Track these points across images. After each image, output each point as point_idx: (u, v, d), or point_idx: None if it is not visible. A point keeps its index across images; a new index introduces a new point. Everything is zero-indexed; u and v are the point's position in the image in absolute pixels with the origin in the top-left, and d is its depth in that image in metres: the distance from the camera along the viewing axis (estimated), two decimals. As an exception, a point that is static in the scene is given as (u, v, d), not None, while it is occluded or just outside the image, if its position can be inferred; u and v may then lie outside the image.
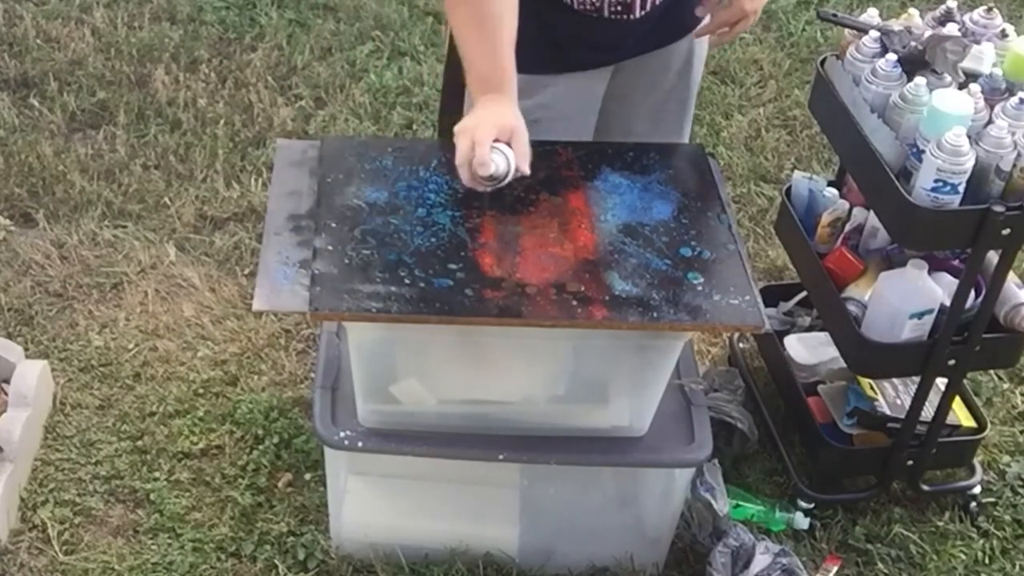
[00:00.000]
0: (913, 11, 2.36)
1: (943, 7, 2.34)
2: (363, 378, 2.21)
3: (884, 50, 2.28)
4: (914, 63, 2.25)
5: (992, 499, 2.67)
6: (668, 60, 2.40)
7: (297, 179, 2.25)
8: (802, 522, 2.57)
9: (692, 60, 2.44)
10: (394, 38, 3.97)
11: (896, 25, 2.31)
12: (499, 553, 2.47)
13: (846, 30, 2.42)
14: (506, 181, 2.02)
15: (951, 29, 2.29)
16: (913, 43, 2.24)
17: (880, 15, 2.40)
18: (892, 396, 2.55)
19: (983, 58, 2.22)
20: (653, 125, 2.46)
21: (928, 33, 2.24)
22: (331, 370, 2.34)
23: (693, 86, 2.49)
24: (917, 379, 2.43)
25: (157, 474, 2.63)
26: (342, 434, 2.24)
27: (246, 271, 3.11)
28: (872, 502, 2.64)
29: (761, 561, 2.41)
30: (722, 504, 2.47)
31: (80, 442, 2.69)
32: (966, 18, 2.35)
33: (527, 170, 2.03)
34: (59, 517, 2.53)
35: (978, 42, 2.27)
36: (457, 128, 2.02)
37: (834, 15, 2.48)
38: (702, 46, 2.47)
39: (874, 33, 2.29)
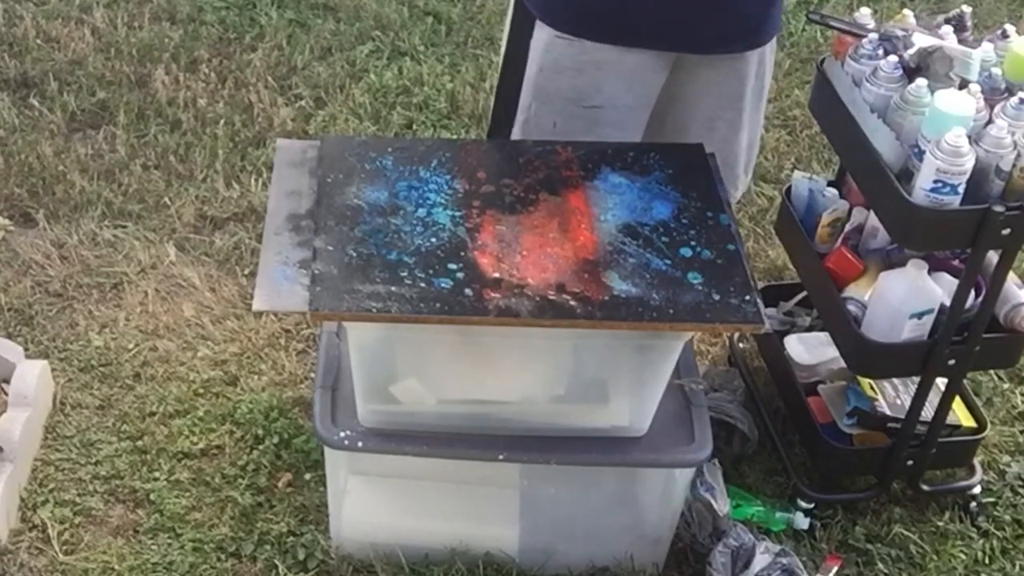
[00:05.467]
0: (907, 12, 2.36)
1: (954, 12, 2.34)
2: (363, 378, 2.21)
3: (884, 52, 2.28)
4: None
5: (992, 499, 2.67)
6: (730, 67, 2.39)
7: (297, 179, 2.25)
8: (802, 522, 2.57)
9: (749, 74, 2.42)
10: (394, 38, 3.96)
11: (888, 28, 2.31)
12: (499, 553, 2.47)
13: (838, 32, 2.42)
14: None
15: (946, 32, 2.29)
16: (906, 57, 2.24)
17: (878, 16, 2.40)
18: (892, 396, 2.55)
19: (971, 65, 2.21)
20: (708, 131, 2.44)
21: (914, 49, 2.24)
22: (331, 370, 2.34)
23: (749, 101, 2.46)
24: (917, 379, 2.43)
25: (157, 474, 2.63)
26: (342, 434, 2.24)
27: (246, 271, 3.11)
28: (872, 502, 2.64)
29: (761, 561, 2.41)
30: (722, 504, 2.47)
31: (80, 442, 2.69)
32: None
33: None
34: (59, 517, 2.53)
35: (977, 45, 2.28)
36: None
37: (823, 17, 2.49)
38: (768, 62, 2.46)
39: (873, 35, 2.30)
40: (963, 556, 2.57)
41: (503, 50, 2.45)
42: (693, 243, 2.14)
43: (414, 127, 3.62)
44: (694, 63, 2.38)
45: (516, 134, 2.44)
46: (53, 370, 2.79)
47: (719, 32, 2.33)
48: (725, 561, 2.42)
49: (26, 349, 2.82)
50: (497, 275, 2.04)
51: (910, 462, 2.54)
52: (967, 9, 2.34)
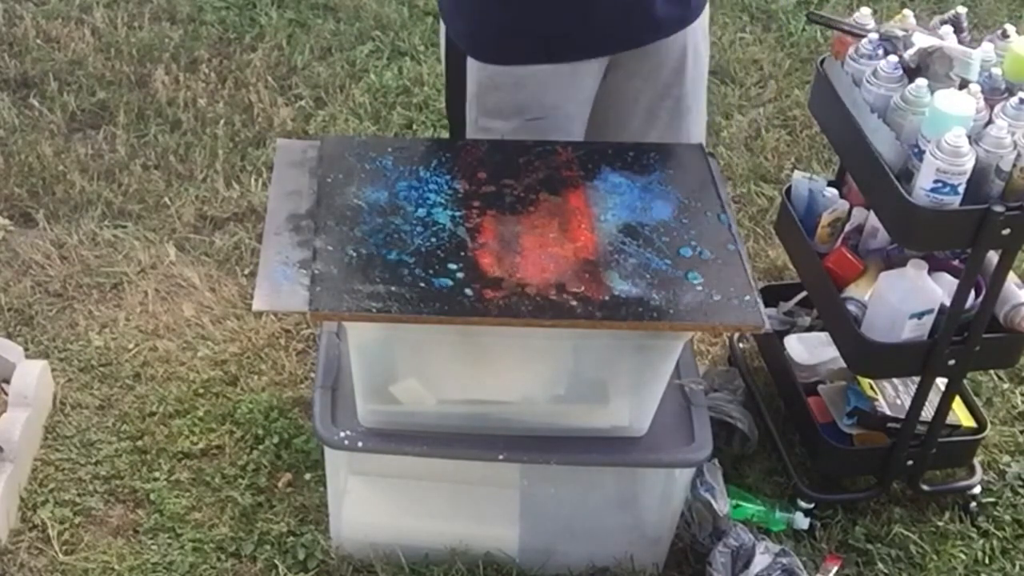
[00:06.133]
0: (907, 12, 2.36)
1: (950, 13, 2.34)
2: (363, 378, 2.21)
3: (884, 52, 2.28)
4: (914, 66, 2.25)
5: (992, 499, 2.67)
6: (663, 55, 2.39)
7: (297, 179, 2.25)
8: (802, 522, 2.57)
9: (686, 57, 2.42)
10: (394, 38, 3.97)
11: (887, 28, 2.31)
12: (499, 553, 2.47)
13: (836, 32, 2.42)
14: None
15: (945, 32, 2.29)
16: (906, 57, 2.24)
17: (878, 16, 2.40)
18: (892, 396, 2.55)
19: (971, 65, 2.21)
20: (648, 123, 2.45)
21: (914, 49, 2.24)
22: (331, 370, 2.34)
23: (690, 84, 2.46)
24: (917, 379, 2.43)
25: (157, 474, 2.63)
26: (342, 434, 2.24)
27: (246, 271, 3.11)
28: (872, 502, 2.64)
29: (761, 561, 2.41)
30: (722, 504, 2.47)
31: (80, 442, 2.69)
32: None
33: None
34: (59, 517, 2.53)
35: (977, 45, 2.28)
36: None
37: (822, 17, 2.49)
38: (702, 44, 2.46)
39: (873, 35, 2.30)
40: (963, 556, 2.57)
41: (444, 67, 2.44)
42: (693, 243, 2.14)
43: (414, 127, 3.62)
44: (626, 57, 2.38)
45: None
46: (53, 370, 2.79)
47: (645, 24, 2.32)
48: (725, 561, 2.42)
49: (26, 349, 2.82)
50: (497, 275, 2.04)
51: (910, 462, 2.54)
52: (962, 10, 2.34)
